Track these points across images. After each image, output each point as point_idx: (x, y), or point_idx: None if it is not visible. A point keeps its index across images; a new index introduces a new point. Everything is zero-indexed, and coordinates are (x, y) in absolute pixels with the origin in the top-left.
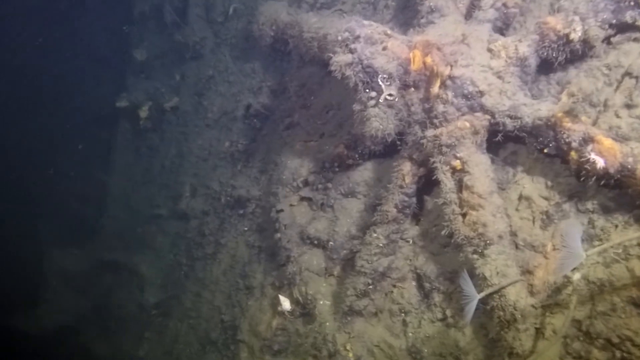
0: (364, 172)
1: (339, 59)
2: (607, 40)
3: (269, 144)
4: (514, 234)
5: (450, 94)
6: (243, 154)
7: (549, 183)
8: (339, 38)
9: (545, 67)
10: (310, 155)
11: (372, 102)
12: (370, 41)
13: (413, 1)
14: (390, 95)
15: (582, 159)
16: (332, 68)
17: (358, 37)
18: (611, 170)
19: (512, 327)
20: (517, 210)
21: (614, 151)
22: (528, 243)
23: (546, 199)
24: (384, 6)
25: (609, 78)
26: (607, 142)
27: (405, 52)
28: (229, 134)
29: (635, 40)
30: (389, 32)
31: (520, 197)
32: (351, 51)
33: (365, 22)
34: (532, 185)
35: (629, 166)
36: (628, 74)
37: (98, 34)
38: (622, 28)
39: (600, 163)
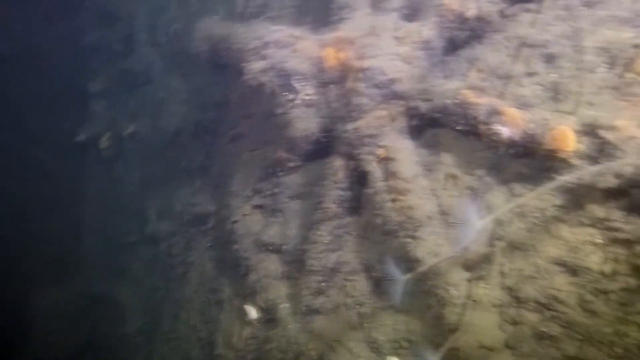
0: (306, 173)
1: (252, 66)
2: (501, 13)
3: (220, 157)
4: (445, 212)
5: (363, 86)
6: (199, 170)
7: (470, 158)
8: (250, 47)
9: (453, 46)
10: (257, 164)
11: (291, 104)
12: (280, 45)
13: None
14: (307, 95)
15: (490, 132)
16: (247, 77)
17: (267, 43)
18: (517, 139)
19: (449, 303)
20: (444, 189)
21: (517, 120)
22: (460, 218)
23: (470, 174)
24: (308, 9)
25: (510, 49)
26: (510, 111)
27: (317, 52)
28: (185, 153)
29: (527, 10)
30: (297, 34)
31: (447, 176)
32: (263, 57)
33: (273, 28)
34: (455, 163)
35: (532, 132)
36: (524, 43)
37: (51, 69)
38: (515, 0)
39: (505, 133)
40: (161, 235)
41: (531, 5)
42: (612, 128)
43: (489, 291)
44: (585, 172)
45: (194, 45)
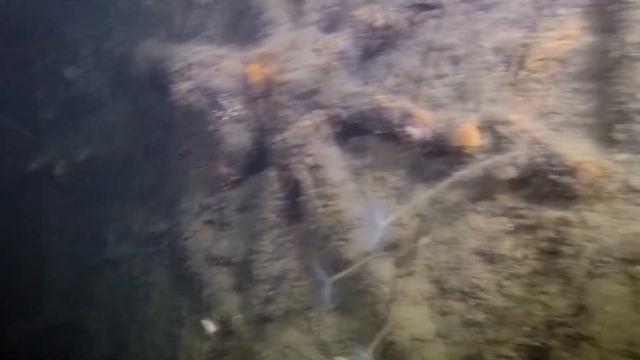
0: (248, 186)
1: (179, 88)
2: (409, 21)
3: (170, 176)
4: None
5: (287, 99)
6: (152, 191)
7: (393, 160)
8: (175, 69)
9: (369, 53)
10: (203, 180)
11: (221, 121)
12: (203, 66)
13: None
14: (235, 111)
15: (404, 134)
16: (175, 97)
17: (191, 64)
18: (428, 138)
19: (381, 300)
20: (373, 191)
21: (427, 120)
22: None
23: (395, 175)
24: (239, 26)
25: (420, 54)
26: (420, 113)
27: (242, 68)
28: (137, 174)
29: (432, 17)
30: (220, 53)
31: (374, 179)
32: (188, 78)
33: (197, 49)
34: (381, 166)
35: (441, 132)
36: (432, 48)
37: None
38: (420, 8)
39: (417, 134)
40: (121, 258)
41: (435, 12)
42: (507, 123)
43: (418, 285)
44: (476, 167)
45: (134, 68)
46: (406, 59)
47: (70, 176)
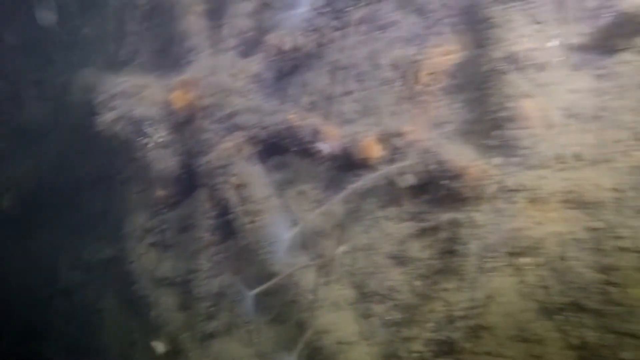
0: (185, 207)
1: (104, 118)
2: (317, 43)
3: (115, 201)
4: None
5: (208, 122)
6: (99, 217)
7: (312, 174)
8: (98, 100)
9: (282, 75)
10: (145, 204)
11: (147, 147)
12: (127, 95)
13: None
14: (161, 137)
15: (315, 150)
16: (100, 128)
17: (114, 95)
18: (337, 153)
19: (307, 308)
20: (297, 205)
21: (335, 136)
22: (313, 230)
23: (315, 188)
24: (168, 53)
25: (329, 73)
26: (328, 129)
27: (165, 96)
28: (85, 201)
29: (337, 38)
30: (142, 82)
31: (297, 193)
32: (112, 109)
33: (119, 80)
34: (302, 180)
35: (347, 146)
36: (339, 66)
37: None
38: (325, 30)
39: (326, 149)
40: (74, 286)
41: (339, 33)
42: (403, 134)
43: (341, 291)
44: (372, 177)
45: (70, 98)
46: (317, 79)
47: (18, 207)
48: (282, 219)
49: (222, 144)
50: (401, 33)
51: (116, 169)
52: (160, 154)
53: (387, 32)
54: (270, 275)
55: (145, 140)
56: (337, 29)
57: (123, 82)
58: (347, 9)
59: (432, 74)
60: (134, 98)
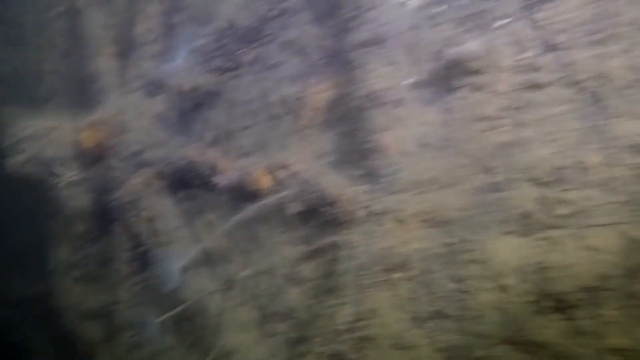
0: (105, 241)
1: (15, 160)
2: (216, 82)
3: (43, 237)
4: (209, 253)
5: (117, 160)
6: (29, 253)
7: (217, 205)
8: (7, 143)
9: (185, 113)
10: (67, 239)
11: (59, 186)
12: (35, 138)
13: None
14: (72, 176)
15: (213, 182)
16: (12, 169)
17: (22, 138)
18: (233, 185)
19: (215, 331)
20: (206, 234)
21: (230, 170)
22: (218, 257)
23: (222, 217)
24: (84, 92)
25: (229, 110)
26: (223, 164)
27: (75, 136)
28: (16, 236)
29: (234, 77)
30: (52, 124)
31: (206, 223)
32: (22, 151)
33: (26, 123)
34: (209, 211)
35: (241, 178)
36: (236, 103)
37: None
38: (222, 70)
39: (223, 181)
40: (3, 324)
41: (234, 73)
42: (288, 166)
43: (246, 313)
44: (258, 206)
45: None
46: (217, 115)
47: None
48: (190, 247)
49: (132, 180)
50: (287, 72)
51: (37, 206)
52: (74, 191)
53: (275, 72)
54: (179, 302)
55: (57, 180)
56: (231, 69)
57: (34, 124)
58: (239, 52)
59: (313, 110)
60: (43, 140)
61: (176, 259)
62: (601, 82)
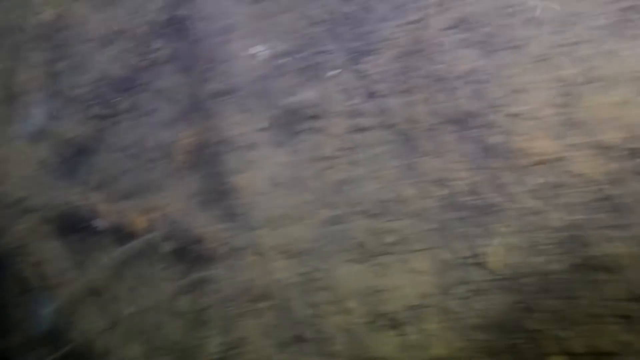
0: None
1: None
2: (94, 129)
3: None
4: (96, 291)
5: (2, 207)
6: None
7: (100, 246)
8: None
9: (66, 161)
10: None
11: None
12: None
13: None
14: None
15: (92, 227)
16: None
17: None
18: (112, 228)
19: None
20: (95, 273)
21: (107, 213)
22: (105, 294)
23: (111, 259)
24: None
25: (109, 155)
26: (101, 207)
27: None
28: None
29: (113, 123)
30: None
31: (94, 263)
32: None
33: None
34: (97, 251)
35: (119, 221)
36: (114, 149)
37: None
38: (100, 117)
39: (102, 225)
40: None
41: (111, 120)
42: (157, 208)
43: (134, 350)
44: (129, 247)
45: None
46: (100, 161)
47: None
48: (74, 287)
49: (16, 227)
50: (161, 118)
51: None
52: None
53: (150, 118)
54: (64, 344)
55: None
56: (110, 116)
57: None
58: (116, 100)
59: (184, 153)
60: None
61: (52, 301)
62: (411, 126)
